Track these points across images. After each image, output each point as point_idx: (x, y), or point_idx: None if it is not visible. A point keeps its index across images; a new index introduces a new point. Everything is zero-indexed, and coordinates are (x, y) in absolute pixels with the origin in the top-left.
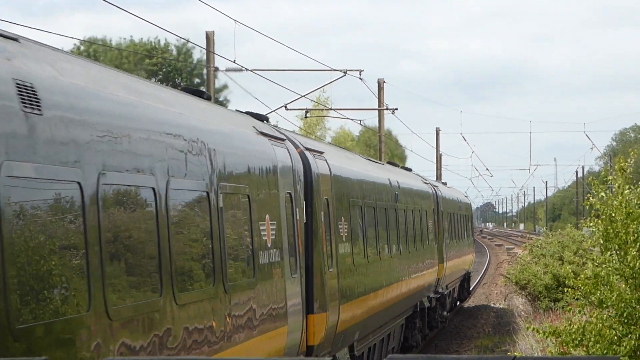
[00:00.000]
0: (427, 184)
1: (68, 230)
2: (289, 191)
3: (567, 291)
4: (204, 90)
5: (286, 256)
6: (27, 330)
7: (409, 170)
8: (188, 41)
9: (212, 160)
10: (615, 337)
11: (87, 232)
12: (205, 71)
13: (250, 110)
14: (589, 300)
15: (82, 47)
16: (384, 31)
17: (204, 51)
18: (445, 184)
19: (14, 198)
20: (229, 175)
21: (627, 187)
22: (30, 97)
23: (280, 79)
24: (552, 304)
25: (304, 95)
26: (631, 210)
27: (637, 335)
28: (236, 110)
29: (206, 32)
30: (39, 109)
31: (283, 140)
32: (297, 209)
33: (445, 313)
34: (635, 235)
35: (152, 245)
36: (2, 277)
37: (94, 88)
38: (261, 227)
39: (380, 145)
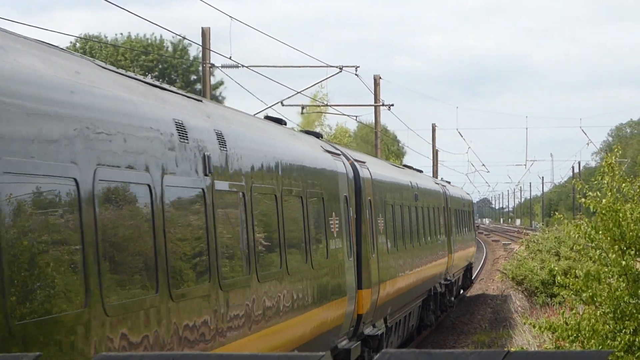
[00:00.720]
0: (438, 184)
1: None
2: (345, 194)
3: (558, 289)
4: (281, 118)
5: (346, 243)
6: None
7: (421, 172)
8: (184, 38)
9: (301, 174)
10: (610, 333)
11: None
12: (201, 68)
13: (308, 129)
14: (581, 297)
15: (77, 44)
16: (379, 27)
17: (200, 48)
18: (449, 182)
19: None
20: (312, 184)
21: (622, 183)
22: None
23: (276, 76)
24: (549, 299)
25: (300, 92)
26: (618, 207)
27: (631, 330)
28: (302, 131)
29: (202, 28)
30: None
31: (339, 155)
32: (350, 208)
33: (452, 298)
34: (619, 231)
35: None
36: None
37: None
38: (330, 221)
39: (377, 141)
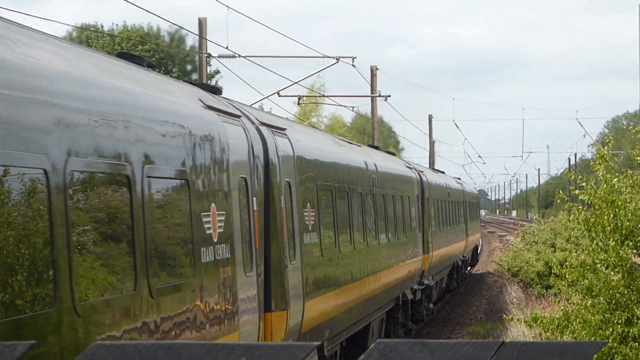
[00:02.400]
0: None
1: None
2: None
3: (554, 280)
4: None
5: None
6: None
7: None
8: (181, 27)
9: (401, 182)
10: (601, 323)
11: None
12: (197, 58)
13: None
14: (576, 288)
15: (74, 34)
16: (376, 18)
17: (197, 38)
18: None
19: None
20: (405, 188)
21: (613, 176)
22: None
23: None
24: (545, 290)
25: (296, 82)
26: (614, 198)
27: (623, 321)
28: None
29: (199, 18)
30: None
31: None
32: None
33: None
34: (615, 223)
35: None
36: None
37: None
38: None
39: (373, 132)
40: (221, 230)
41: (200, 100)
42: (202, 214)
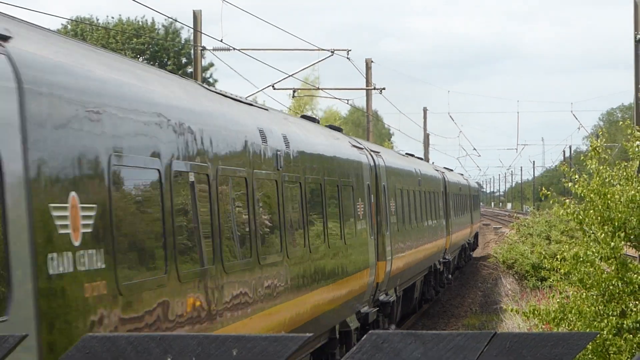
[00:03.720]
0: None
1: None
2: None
3: (546, 273)
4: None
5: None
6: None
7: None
8: (175, 20)
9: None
10: (597, 315)
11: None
12: (192, 51)
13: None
14: (569, 281)
15: (69, 27)
16: (370, 10)
17: (192, 31)
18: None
19: None
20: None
21: (605, 168)
22: None
23: (267, 59)
24: (539, 283)
25: (291, 75)
26: (606, 190)
27: (618, 313)
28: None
29: (193, 11)
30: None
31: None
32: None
33: (449, 276)
34: (607, 215)
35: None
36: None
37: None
38: (358, 206)
39: (368, 125)
40: (361, 212)
41: (349, 142)
42: (356, 204)
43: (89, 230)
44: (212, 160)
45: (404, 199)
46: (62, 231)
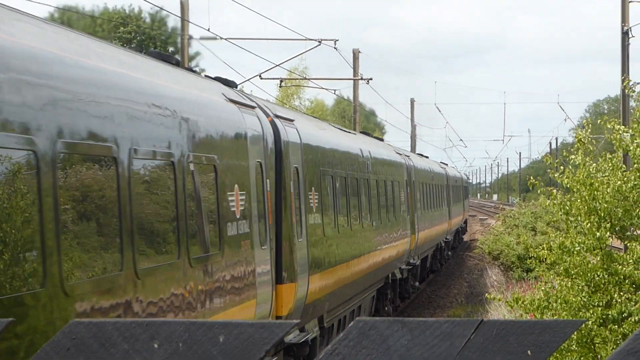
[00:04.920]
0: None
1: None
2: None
3: (531, 262)
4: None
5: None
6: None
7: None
8: (162, 9)
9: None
10: (582, 306)
11: None
12: (179, 39)
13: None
14: (556, 270)
15: (55, 15)
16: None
17: (179, 19)
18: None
19: None
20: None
21: (588, 160)
22: None
23: (254, 48)
24: (525, 274)
25: (278, 65)
26: (592, 181)
27: (603, 303)
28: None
29: (180, 0)
30: None
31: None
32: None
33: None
34: (592, 205)
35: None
36: None
37: None
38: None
39: (355, 115)
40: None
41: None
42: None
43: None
44: (347, 169)
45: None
46: None
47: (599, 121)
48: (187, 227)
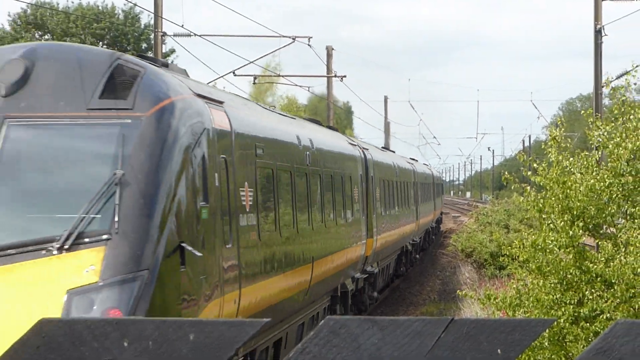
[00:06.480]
0: (355, 145)
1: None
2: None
3: (503, 260)
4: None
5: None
6: None
7: (334, 129)
8: (135, 5)
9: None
10: (554, 304)
11: None
12: (153, 36)
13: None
14: (528, 268)
15: (29, 11)
16: None
17: (152, 16)
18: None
19: None
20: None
21: (565, 158)
22: None
23: (228, 45)
24: (498, 271)
25: (252, 62)
26: (565, 179)
27: (575, 301)
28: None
29: None
30: None
31: (355, 145)
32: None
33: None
34: (565, 203)
35: None
36: None
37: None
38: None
39: (329, 112)
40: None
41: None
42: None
43: None
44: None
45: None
46: None
47: (582, 112)
48: (344, 206)
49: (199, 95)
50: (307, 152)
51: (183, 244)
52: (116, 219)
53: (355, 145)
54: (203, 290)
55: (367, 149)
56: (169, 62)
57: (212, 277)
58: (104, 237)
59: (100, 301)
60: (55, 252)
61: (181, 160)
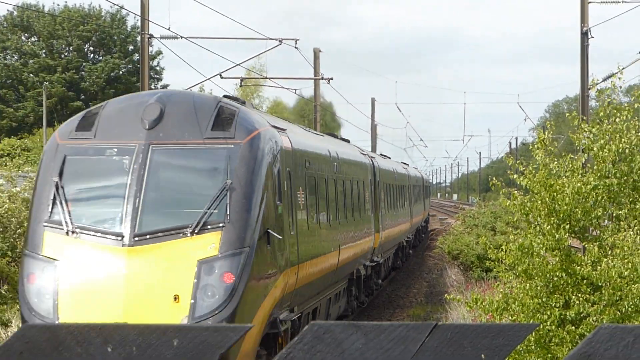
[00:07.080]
0: (365, 155)
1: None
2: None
3: (490, 263)
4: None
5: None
6: None
7: (347, 141)
8: (122, 8)
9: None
10: (540, 307)
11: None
12: (139, 38)
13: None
14: (514, 272)
15: (15, 13)
16: None
17: (138, 18)
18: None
19: None
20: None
21: (551, 160)
22: None
23: (215, 47)
24: (484, 273)
25: (239, 64)
26: (551, 182)
27: (561, 304)
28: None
29: None
30: None
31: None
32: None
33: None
34: (552, 207)
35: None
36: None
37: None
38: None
39: (316, 115)
40: None
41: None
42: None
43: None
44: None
45: None
46: None
47: (567, 114)
48: (364, 206)
49: (273, 126)
50: (335, 163)
51: (269, 230)
52: (228, 213)
53: (366, 154)
54: (279, 263)
55: (374, 157)
56: (240, 98)
57: (284, 254)
58: (220, 225)
59: (219, 267)
60: (188, 235)
61: (266, 172)
